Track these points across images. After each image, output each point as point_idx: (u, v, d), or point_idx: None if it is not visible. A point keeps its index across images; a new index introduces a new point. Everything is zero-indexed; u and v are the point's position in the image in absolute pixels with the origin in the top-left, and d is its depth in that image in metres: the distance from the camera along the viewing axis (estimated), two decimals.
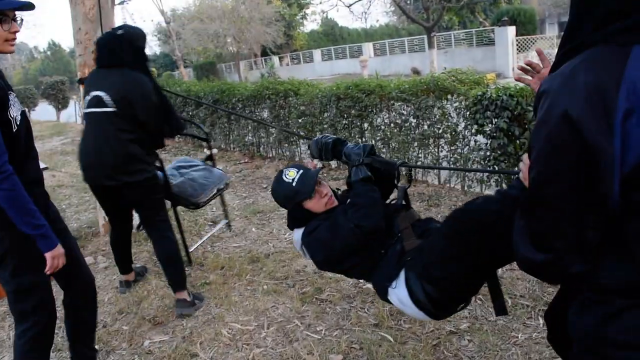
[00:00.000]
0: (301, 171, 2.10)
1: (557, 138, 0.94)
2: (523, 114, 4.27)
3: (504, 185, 4.78)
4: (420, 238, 1.90)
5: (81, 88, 3.93)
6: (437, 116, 5.23)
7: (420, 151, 5.52)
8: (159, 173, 3.34)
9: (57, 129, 15.41)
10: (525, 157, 1.33)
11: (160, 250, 3.23)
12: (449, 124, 5.15)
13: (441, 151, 5.40)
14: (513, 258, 1.16)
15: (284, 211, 5.23)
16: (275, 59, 33.36)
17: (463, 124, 5.01)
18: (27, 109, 16.30)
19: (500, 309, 1.80)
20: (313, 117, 6.73)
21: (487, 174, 4.90)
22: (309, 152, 2.32)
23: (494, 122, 4.51)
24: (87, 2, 4.16)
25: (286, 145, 7.56)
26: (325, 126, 6.53)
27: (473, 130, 4.85)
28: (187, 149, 9.46)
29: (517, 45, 19.59)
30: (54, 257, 2.05)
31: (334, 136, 2.22)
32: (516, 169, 1.70)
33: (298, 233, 2.15)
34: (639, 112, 0.85)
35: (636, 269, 0.96)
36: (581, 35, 1.00)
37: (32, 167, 2.14)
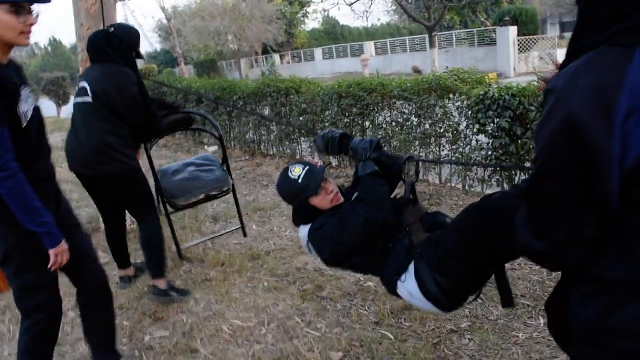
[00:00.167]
0: (307, 167, 2.09)
1: (559, 136, 0.96)
2: (525, 113, 4.27)
3: (506, 185, 4.79)
4: (428, 232, 1.90)
5: None
6: (439, 115, 5.23)
7: (421, 150, 5.51)
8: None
9: (58, 125, 15.43)
10: None
11: (143, 235, 3.32)
12: (451, 123, 5.15)
13: (442, 150, 5.40)
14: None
15: (285, 208, 5.29)
16: (276, 56, 33.35)
17: (464, 123, 5.01)
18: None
19: (507, 300, 1.81)
20: (314, 115, 6.73)
21: (488, 173, 4.90)
22: (314, 146, 2.31)
23: (495, 122, 4.51)
24: None
25: (287, 142, 7.56)
26: (327, 124, 6.53)
27: (475, 130, 4.85)
28: (188, 145, 9.47)
29: (518, 45, 19.58)
30: (57, 254, 2.03)
31: (340, 131, 2.22)
32: None
33: (304, 230, 2.14)
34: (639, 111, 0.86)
35: (637, 265, 0.98)
36: (587, 36, 1.02)
37: (43, 163, 2.11)
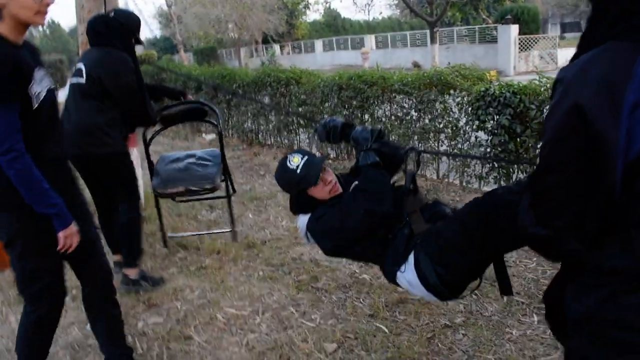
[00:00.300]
0: (306, 157, 2.07)
1: (566, 125, 0.99)
2: (525, 111, 4.26)
3: (503, 182, 4.79)
4: (429, 222, 1.89)
5: None
6: (439, 111, 5.22)
7: (420, 145, 5.50)
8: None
9: None
10: None
11: (122, 220, 3.32)
12: (450, 119, 5.14)
13: (441, 146, 5.39)
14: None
15: (281, 199, 5.27)
16: (277, 47, 33.21)
17: (464, 120, 5.00)
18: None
19: (506, 289, 1.82)
20: (314, 107, 6.70)
21: (486, 170, 4.90)
22: (316, 135, 2.29)
23: (495, 119, 4.51)
24: None
25: (285, 133, 7.54)
26: (326, 116, 6.51)
27: (474, 126, 4.85)
28: (185, 132, 9.43)
29: (519, 44, 19.55)
30: (67, 236, 1.99)
31: (342, 119, 2.20)
32: None
33: (303, 219, 2.13)
34: None
35: (633, 255, 1.00)
36: (598, 31, 1.03)
37: (53, 146, 2.06)
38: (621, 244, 1.02)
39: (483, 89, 4.57)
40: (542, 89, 4.22)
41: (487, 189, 4.94)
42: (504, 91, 4.38)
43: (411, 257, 1.86)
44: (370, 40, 29.06)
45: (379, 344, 2.62)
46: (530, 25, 21.42)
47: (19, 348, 2.20)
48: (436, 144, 5.40)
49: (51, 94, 2.03)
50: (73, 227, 2.02)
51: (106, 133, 3.09)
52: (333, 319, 2.89)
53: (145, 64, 3.59)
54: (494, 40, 20.84)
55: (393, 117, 5.79)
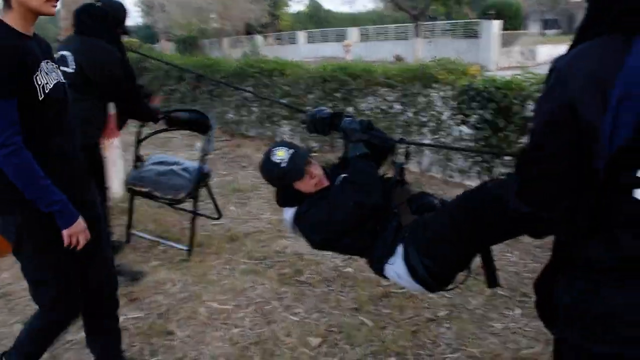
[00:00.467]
0: (291, 151, 2.04)
1: (555, 113, 1.02)
2: (509, 106, 4.28)
3: (485, 177, 4.81)
4: (416, 214, 1.89)
5: None
6: (423, 104, 5.22)
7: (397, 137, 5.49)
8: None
9: None
10: None
11: None
12: (434, 112, 5.14)
13: (424, 139, 5.39)
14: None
15: (264, 191, 5.23)
16: (259, 38, 32.94)
17: (448, 113, 5.00)
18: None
19: (492, 280, 1.82)
20: (297, 98, 6.66)
21: (468, 165, 4.91)
22: (304, 125, 2.26)
23: (479, 113, 4.52)
24: None
25: (268, 124, 7.48)
26: (309, 107, 6.46)
27: (458, 120, 4.86)
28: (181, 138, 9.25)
29: (501, 39, 19.70)
30: (72, 234, 1.87)
31: (330, 110, 2.18)
32: None
33: (289, 212, 2.11)
34: (633, 98, 0.91)
35: (620, 247, 1.02)
36: (593, 25, 1.06)
37: (61, 140, 1.95)
38: (607, 240, 1.04)
39: (467, 83, 4.57)
40: (526, 84, 4.24)
41: (469, 182, 4.97)
42: (487, 86, 4.39)
43: (399, 249, 1.85)
44: (353, 32, 29.00)
45: (363, 338, 2.61)
46: (512, 21, 21.62)
47: (21, 342, 2.11)
48: (419, 138, 5.40)
49: (60, 89, 1.93)
50: (79, 225, 1.90)
51: (85, 121, 3.00)
52: (317, 312, 2.88)
53: (129, 51, 3.49)
54: (476, 35, 20.96)
55: (377, 110, 5.77)
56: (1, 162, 1.73)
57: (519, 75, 4.35)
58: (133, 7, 36.26)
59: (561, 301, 1.16)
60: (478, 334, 2.62)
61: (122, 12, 3.21)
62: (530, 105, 4.22)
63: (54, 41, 4.60)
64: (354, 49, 24.66)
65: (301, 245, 3.56)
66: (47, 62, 1.88)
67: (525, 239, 3.26)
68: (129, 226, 3.88)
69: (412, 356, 2.48)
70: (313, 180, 2.06)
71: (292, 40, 32.86)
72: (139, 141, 3.88)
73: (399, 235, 1.88)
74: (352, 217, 1.91)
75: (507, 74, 4.62)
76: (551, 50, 21.49)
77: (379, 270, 1.97)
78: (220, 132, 8.17)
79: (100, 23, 3.05)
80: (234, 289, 3.14)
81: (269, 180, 2.13)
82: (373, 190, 1.93)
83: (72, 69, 2.97)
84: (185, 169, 3.68)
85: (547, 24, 40.07)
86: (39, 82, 1.81)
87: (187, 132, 4.58)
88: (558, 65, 1.05)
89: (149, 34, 31.22)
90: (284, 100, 6.72)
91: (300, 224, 2.06)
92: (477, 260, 1.85)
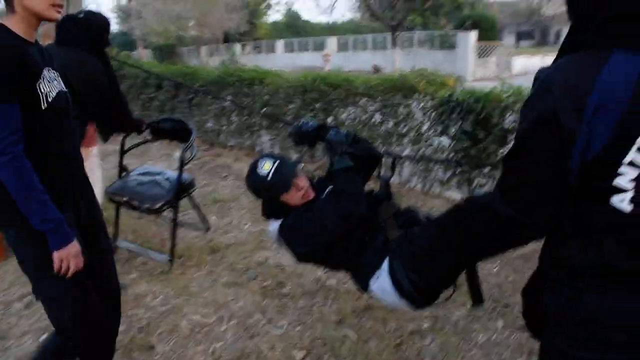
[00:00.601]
0: (277, 162, 2.01)
1: (538, 120, 1.07)
2: (488, 118, 4.33)
3: (465, 188, 4.85)
4: (402, 228, 1.88)
5: None
6: (403, 115, 5.25)
7: (383, 149, 5.52)
8: None
9: None
10: None
11: None
12: (414, 123, 5.18)
13: (404, 150, 5.42)
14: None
15: (245, 201, 5.19)
16: (238, 46, 32.89)
17: (427, 124, 5.04)
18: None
19: (477, 297, 1.82)
20: (277, 108, 6.65)
21: (448, 175, 4.95)
22: (290, 137, 2.25)
23: (458, 125, 4.57)
24: None
25: (247, 134, 7.45)
26: (289, 117, 6.46)
27: (437, 131, 4.90)
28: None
29: (477, 50, 20.01)
30: (62, 258, 1.74)
31: (316, 122, 2.17)
32: None
33: (274, 224, 2.09)
34: (606, 108, 0.96)
35: (601, 253, 1.06)
36: (573, 39, 1.12)
37: (61, 142, 1.87)
38: (589, 246, 1.08)
39: (447, 94, 4.62)
40: (504, 96, 4.30)
41: (449, 193, 5.01)
42: (467, 97, 4.44)
43: (385, 264, 1.84)
44: (331, 42, 29.15)
45: (347, 351, 2.60)
46: (488, 32, 21.96)
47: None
48: (399, 149, 5.43)
49: (62, 97, 1.87)
50: (73, 247, 1.78)
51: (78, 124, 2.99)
52: (300, 325, 2.86)
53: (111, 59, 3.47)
54: (453, 46, 21.25)
55: (356, 121, 5.79)
56: None
57: (497, 86, 4.40)
58: (110, 13, 35.88)
59: (550, 308, 1.18)
60: (462, 346, 2.63)
61: (105, 23, 3.19)
62: (509, 117, 4.28)
63: None
64: (332, 58, 24.77)
65: (283, 256, 3.55)
66: (49, 70, 1.83)
67: None
68: (115, 236, 3.81)
69: None
70: (300, 193, 2.04)
71: (271, 49, 32.88)
72: (122, 152, 3.82)
73: (385, 249, 1.87)
74: (338, 228, 1.90)
75: (483, 85, 4.69)
76: (526, 61, 21.94)
77: (364, 284, 1.95)
78: (199, 142, 8.10)
79: (85, 32, 3.02)
80: (216, 302, 3.11)
81: (255, 192, 2.11)
82: (358, 201, 1.93)
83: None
84: (167, 179, 3.65)
85: (521, 36, 40.92)
86: (42, 90, 1.75)
87: (165, 141, 4.51)
88: (541, 76, 1.10)
89: (126, 40, 30.90)
90: (264, 109, 6.72)
91: (286, 236, 2.04)
92: (461, 276, 1.86)
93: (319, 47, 29.12)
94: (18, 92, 1.66)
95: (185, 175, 3.64)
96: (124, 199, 3.55)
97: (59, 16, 1.80)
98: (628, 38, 1.00)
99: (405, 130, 5.28)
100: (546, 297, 1.20)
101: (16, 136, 1.64)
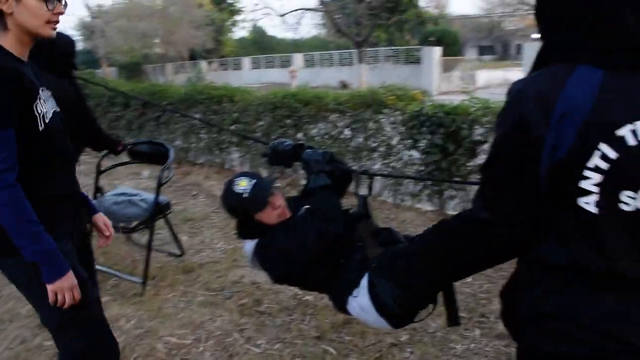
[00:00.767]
0: (253, 181, 1.98)
1: (511, 127, 1.13)
2: (458, 131, 4.41)
3: (436, 200, 4.92)
4: (382, 246, 1.88)
5: None
6: (373, 130, 5.31)
7: (353, 164, 5.56)
8: None
9: None
10: None
11: None
12: (384, 137, 5.24)
13: (375, 164, 5.47)
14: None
15: (216, 219, 5.15)
16: (204, 63, 32.79)
17: (397, 138, 5.10)
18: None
19: (454, 319, 1.82)
20: (247, 125, 6.63)
21: (419, 188, 5.01)
22: (266, 157, 2.24)
23: (429, 138, 4.64)
24: None
25: (217, 151, 7.40)
26: (259, 134, 6.46)
27: (408, 145, 4.96)
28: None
29: (442, 65, 20.42)
30: (56, 291, 1.66)
31: (292, 142, 2.17)
32: None
33: (250, 244, 2.06)
34: (570, 116, 1.03)
35: (571, 252, 1.11)
36: (544, 55, 1.21)
37: (63, 180, 1.81)
38: (556, 242, 1.14)
39: (417, 108, 4.70)
40: (473, 109, 4.39)
41: (420, 206, 5.07)
42: (437, 111, 4.52)
43: (364, 281, 1.84)
44: (297, 58, 29.35)
45: None
46: (452, 47, 22.46)
47: None
48: (370, 163, 5.47)
49: (57, 118, 1.79)
50: (68, 280, 1.68)
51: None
52: (279, 343, 2.83)
53: (79, 79, 3.43)
54: (418, 61, 21.64)
55: (327, 136, 5.83)
56: None
57: (466, 100, 4.50)
58: (73, 31, 35.30)
59: (523, 306, 1.23)
60: (440, 357, 2.64)
61: (71, 45, 3.15)
62: (477, 129, 4.38)
63: None
64: (299, 74, 24.93)
65: (258, 274, 3.51)
66: (43, 90, 1.75)
67: None
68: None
69: None
70: (276, 211, 2.03)
71: (237, 66, 32.91)
72: (98, 172, 3.78)
73: (363, 267, 1.87)
74: (315, 246, 1.89)
75: (448, 99, 4.78)
76: (489, 75, 22.50)
77: (341, 304, 1.93)
78: None
79: (50, 55, 2.96)
80: (192, 322, 3.05)
81: (231, 210, 2.08)
82: (336, 219, 1.93)
83: None
84: (143, 200, 3.61)
85: (483, 50, 41.99)
86: (39, 111, 1.67)
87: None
88: (514, 87, 1.16)
89: (89, 59, 30.41)
90: (232, 127, 6.70)
91: (261, 257, 2.01)
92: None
93: (286, 63, 29.32)
94: (16, 116, 1.59)
95: (162, 197, 3.59)
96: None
97: (54, 34, 1.72)
98: (588, 55, 1.08)
99: (375, 144, 5.34)
100: (521, 295, 1.25)
101: (10, 163, 1.56)
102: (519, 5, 25.19)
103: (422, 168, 4.82)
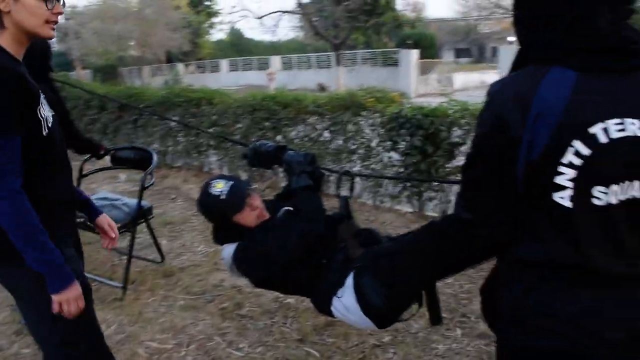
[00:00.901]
0: (230, 182, 1.97)
1: (488, 129, 1.17)
2: (436, 133, 4.45)
3: (415, 202, 4.96)
4: (363, 246, 1.89)
5: None
6: (352, 132, 5.33)
7: (333, 166, 5.57)
8: None
9: None
10: None
11: None
12: (364, 140, 5.26)
13: (354, 166, 5.48)
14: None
15: (196, 222, 5.11)
16: (181, 66, 32.52)
17: (377, 140, 5.13)
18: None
19: (436, 318, 1.85)
20: (226, 127, 6.60)
21: (398, 190, 5.05)
22: (246, 159, 2.23)
23: (408, 140, 4.67)
24: None
25: (195, 154, 7.35)
26: (238, 137, 6.42)
27: (387, 147, 4.99)
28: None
29: (419, 67, 20.59)
30: (61, 302, 1.60)
31: (273, 143, 2.17)
32: None
33: (228, 249, 2.03)
34: (545, 116, 1.07)
35: (547, 248, 1.15)
36: (520, 57, 1.24)
37: (63, 184, 1.75)
38: (535, 242, 1.17)
39: (396, 111, 4.73)
40: (451, 112, 4.44)
41: (399, 207, 5.11)
42: (415, 113, 4.55)
43: (349, 281, 1.84)
44: (275, 61, 29.31)
45: None
46: (429, 50, 22.67)
47: None
48: (349, 165, 5.48)
49: (56, 122, 1.74)
50: (74, 290, 1.63)
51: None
52: (262, 346, 2.82)
53: (56, 81, 3.38)
54: (395, 63, 21.79)
55: (306, 139, 5.83)
56: None
57: (444, 103, 4.54)
58: None
59: (503, 302, 1.26)
60: (423, 357, 2.66)
61: (47, 47, 3.11)
62: (456, 131, 4.43)
63: None
64: (277, 77, 24.90)
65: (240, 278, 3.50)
66: (41, 94, 1.70)
67: None
68: None
69: None
70: (255, 212, 2.01)
71: (215, 69, 32.72)
72: (81, 176, 3.75)
73: (346, 268, 1.88)
74: (297, 247, 1.88)
75: (426, 101, 4.82)
76: (466, 77, 22.78)
77: (324, 305, 1.93)
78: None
79: (27, 58, 2.93)
80: (174, 327, 3.03)
81: (208, 214, 2.05)
82: (319, 219, 1.93)
83: None
84: (125, 204, 3.60)
85: (460, 53, 42.50)
86: (43, 115, 1.61)
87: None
88: (493, 88, 1.20)
89: (63, 61, 29.91)
90: (210, 130, 6.65)
91: (241, 260, 1.98)
92: None
93: (264, 66, 29.25)
94: (22, 121, 1.53)
95: (144, 202, 3.56)
96: (80, 220, 3.42)
97: (53, 34, 1.66)
98: (564, 56, 1.12)
99: (355, 147, 5.36)
100: (500, 292, 1.28)
101: (16, 170, 1.51)
102: (494, 9, 25.56)
103: (402, 170, 4.85)
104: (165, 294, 3.47)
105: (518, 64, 1.23)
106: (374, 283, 1.74)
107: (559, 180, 1.09)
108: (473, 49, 44.01)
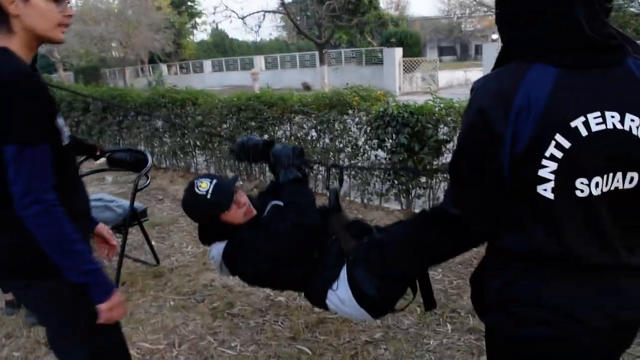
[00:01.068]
0: (215, 181, 1.96)
1: (473, 124, 1.18)
2: (422, 130, 4.49)
3: (403, 199, 4.99)
4: (355, 238, 1.90)
5: None
6: (339, 130, 5.35)
7: (330, 163, 5.58)
8: None
9: None
10: None
11: None
12: (350, 138, 5.28)
13: (342, 165, 5.50)
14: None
15: (184, 223, 5.10)
16: (164, 67, 32.31)
17: (363, 139, 5.16)
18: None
19: (430, 302, 1.88)
20: (211, 128, 6.58)
21: (386, 187, 5.08)
22: (233, 154, 2.23)
23: (394, 138, 4.70)
24: None
25: (181, 155, 7.32)
26: (224, 134, 6.41)
27: (374, 145, 5.02)
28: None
29: (403, 65, 20.67)
30: (111, 309, 1.56)
31: (261, 138, 2.17)
32: None
33: (217, 248, 2.03)
34: (527, 111, 1.09)
35: (532, 239, 1.18)
36: (504, 54, 1.26)
37: (79, 196, 1.69)
38: (521, 233, 1.19)
39: (382, 109, 4.75)
40: (437, 109, 4.48)
41: (387, 205, 5.14)
42: (401, 111, 4.58)
43: (343, 273, 1.85)
44: (259, 61, 29.24)
45: None
46: (413, 48, 22.77)
47: None
48: (337, 163, 5.51)
49: (68, 132, 1.67)
50: (117, 297, 1.58)
51: None
52: (254, 345, 2.83)
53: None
54: (379, 62, 21.85)
55: (292, 138, 5.83)
56: (30, 222, 1.40)
57: (431, 101, 4.58)
58: None
59: (491, 292, 1.30)
60: (414, 353, 2.69)
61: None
62: (442, 128, 4.47)
63: None
64: (261, 76, 24.85)
65: (229, 276, 3.50)
66: None
67: None
68: None
69: None
70: (242, 209, 2.00)
71: (198, 69, 32.56)
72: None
73: (339, 261, 1.89)
74: (291, 240, 1.88)
75: (411, 99, 4.85)
76: (450, 75, 22.90)
77: (319, 299, 1.94)
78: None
79: None
80: (165, 327, 3.02)
81: (194, 214, 2.03)
82: (310, 212, 1.94)
83: None
84: (120, 206, 3.61)
85: (443, 51, 42.76)
86: (59, 125, 1.55)
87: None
88: (476, 85, 1.23)
89: (44, 63, 29.57)
90: (197, 131, 6.63)
91: (232, 258, 1.98)
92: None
93: (247, 66, 29.19)
94: (46, 130, 1.46)
95: (138, 204, 3.55)
96: None
97: (63, 37, 1.58)
98: (545, 52, 1.14)
99: (342, 145, 5.37)
100: (488, 282, 1.31)
101: (51, 181, 1.43)
102: (477, 7, 25.76)
103: (389, 167, 4.88)
104: (156, 295, 3.46)
105: (501, 61, 1.25)
106: (366, 274, 1.77)
107: (542, 173, 1.11)
108: (457, 46, 44.33)
